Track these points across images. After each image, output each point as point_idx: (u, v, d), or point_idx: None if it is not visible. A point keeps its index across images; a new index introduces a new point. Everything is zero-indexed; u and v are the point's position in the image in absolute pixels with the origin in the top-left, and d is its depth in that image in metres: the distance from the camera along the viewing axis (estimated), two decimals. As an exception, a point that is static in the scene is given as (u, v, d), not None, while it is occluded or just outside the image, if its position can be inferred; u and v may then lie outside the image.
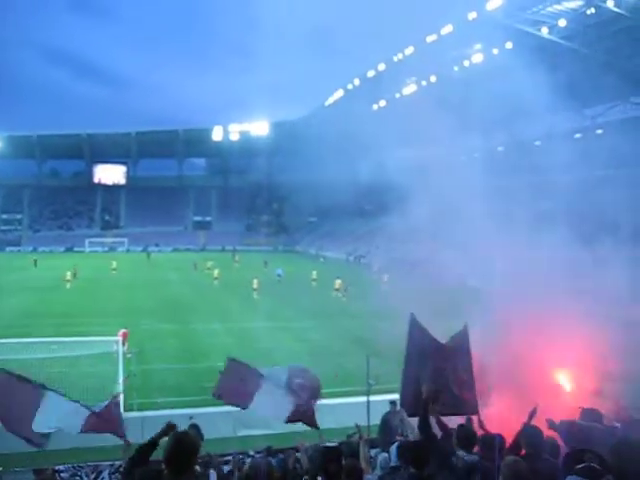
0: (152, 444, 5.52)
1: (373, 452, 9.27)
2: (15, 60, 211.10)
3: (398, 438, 11.34)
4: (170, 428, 5.73)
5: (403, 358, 9.69)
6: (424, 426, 6.98)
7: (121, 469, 11.82)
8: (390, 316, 12.94)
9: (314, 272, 51.72)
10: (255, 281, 45.23)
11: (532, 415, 7.76)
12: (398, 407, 14.75)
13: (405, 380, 9.38)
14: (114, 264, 60.37)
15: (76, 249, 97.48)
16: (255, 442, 13.31)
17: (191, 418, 13.29)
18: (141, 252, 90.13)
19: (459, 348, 9.19)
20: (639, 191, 48.81)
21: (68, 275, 47.72)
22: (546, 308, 11.71)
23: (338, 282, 44.46)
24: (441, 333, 9.29)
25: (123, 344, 23.26)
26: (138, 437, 7.06)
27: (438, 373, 8.91)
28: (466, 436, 7.09)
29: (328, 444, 7.82)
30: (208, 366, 25.04)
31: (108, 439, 7.59)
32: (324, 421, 8.53)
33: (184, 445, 4.45)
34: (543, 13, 50.13)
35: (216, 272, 54.58)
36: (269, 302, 40.13)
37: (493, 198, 17.42)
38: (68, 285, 46.08)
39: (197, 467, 6.81)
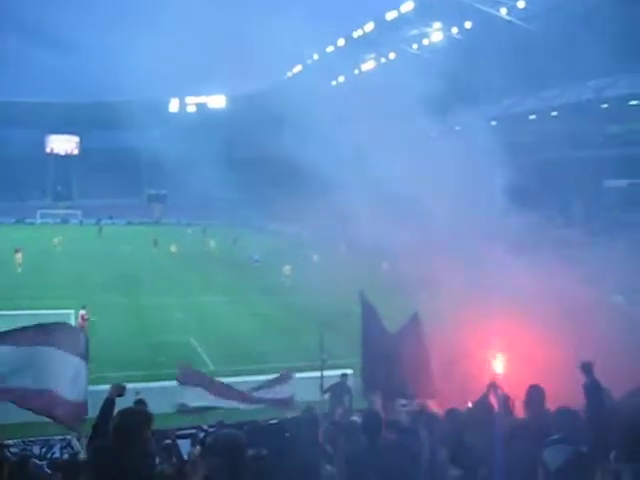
0: (109, 403, 5.62)
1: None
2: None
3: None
4: (120, 389, 5.85)
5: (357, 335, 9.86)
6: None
7: (72, 444, 11.75)
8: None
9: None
10: (287, 267, 40.54)
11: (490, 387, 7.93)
12: (349, 381, 15.07)
13: (363, 359, 9.49)
14: (56, 240, 56.54)
15: (27, 220, 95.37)
16: (207, 417, 13.32)
17: (137, 393, 13.15)
18: (94, 225, 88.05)
19: (410, 335, 9.31)
20: (591, 174, 50.08)
21: (18, 258, 42.76)
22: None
23: (287, 268, 40.60)
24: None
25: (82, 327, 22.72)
26: (89, 411, 7.00)
27: (390, 359, 9.07)
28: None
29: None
30: (161, 341, 25.05)
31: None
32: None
33: (128, 421, 4.42)
34: (503, -6, 50.38)
35: (173, 247, 54.10)
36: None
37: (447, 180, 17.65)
38: (19, 269, 41.61)
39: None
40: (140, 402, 11.64)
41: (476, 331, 11.32)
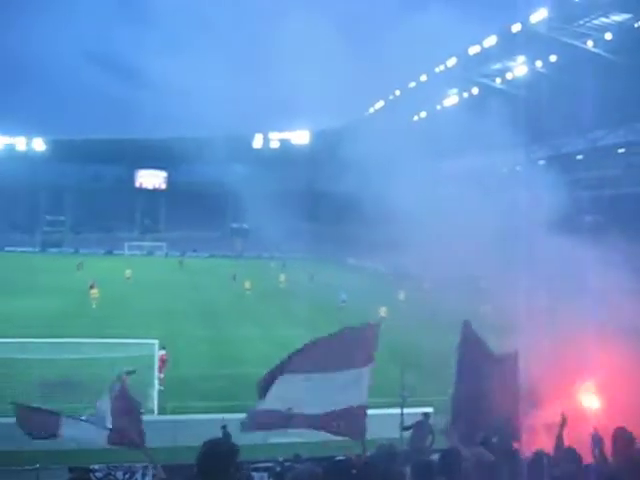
0: None
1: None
2: (60, 65, 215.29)
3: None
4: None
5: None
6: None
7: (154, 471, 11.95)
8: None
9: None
10: (383, 309, 37.23)
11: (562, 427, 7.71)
12: (431, 419, 14.77)
13: (456, 394, 9.21)
14: (128, 273, 56.58)
15: (116, 252, 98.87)
16: (285, 450, 13.31)
17: (224, 426, 13.37)
18: (178, 257, 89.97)
19: (507, 369, 9.02)
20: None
21: (93, 293, 41.57)
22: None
23: (383, 309, 37.00)
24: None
25: (160, 371, 21.99)
26: (169, 440, 7.00)
27: (485, 388, 8.78)
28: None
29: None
30: (242, 373, 25.26)
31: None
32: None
33: (213, 452, 4.33)
34: (589, 26, 49.42)
35: (247, 284, 51.81)
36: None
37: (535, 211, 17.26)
38: (94, 304, 40.40)
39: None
40: (225, 434, 11.80)
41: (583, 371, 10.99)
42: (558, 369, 11.38)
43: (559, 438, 7.68)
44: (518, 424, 8.63)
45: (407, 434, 14.04)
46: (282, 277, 59.05)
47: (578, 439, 7.80)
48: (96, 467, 12.28)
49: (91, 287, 41.96)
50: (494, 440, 7.73)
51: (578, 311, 13.02)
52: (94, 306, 39.84)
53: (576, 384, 11.05)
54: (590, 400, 10.98)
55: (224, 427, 13.60)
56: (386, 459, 7.16)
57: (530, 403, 9.68)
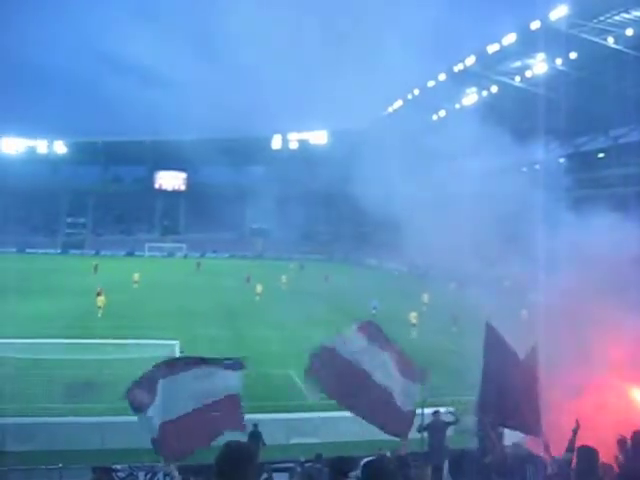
0: None
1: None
2: (80, 68, 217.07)
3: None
4: None
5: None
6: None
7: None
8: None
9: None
10: (414, 315, 36.20)
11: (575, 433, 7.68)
12: (441, 417, 14.70)
13: (484, 389, 9.24)
14: (136, 276, 53.84)
15: (136, 253, 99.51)
16: (307, 450, 13.30)
17: (255, 425, 13.35)
18: (197, 258, 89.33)
19: (530, 368, 9.08)
20: None
21: (99, 301, 38.21)
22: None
23: (413, 315, 36.16)
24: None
25: None
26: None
27: (512, 388, 8.83)
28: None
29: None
30: (260, 373, 25.26)
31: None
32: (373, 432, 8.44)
33: (235, 455, 4.33)
34: (609, 22, 48.90)
35: (259, 288, 48.91)
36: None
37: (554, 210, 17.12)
38: (99, 313, 37.38)
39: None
40: (253, 434, 11.77)
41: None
42: (583, 366, 11.29)
43: (571, 443, 7.64)
44: (539, 420, 8.63)
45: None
46: (284, 278, 58.05)
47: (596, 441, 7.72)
48: (118, 467, 12.35)
49: (98, 294, 38.73)
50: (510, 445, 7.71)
51: (599, 308, 12.90)
52: (99, 315, 37.17)
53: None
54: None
55: (255, 425, 13.54)
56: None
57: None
